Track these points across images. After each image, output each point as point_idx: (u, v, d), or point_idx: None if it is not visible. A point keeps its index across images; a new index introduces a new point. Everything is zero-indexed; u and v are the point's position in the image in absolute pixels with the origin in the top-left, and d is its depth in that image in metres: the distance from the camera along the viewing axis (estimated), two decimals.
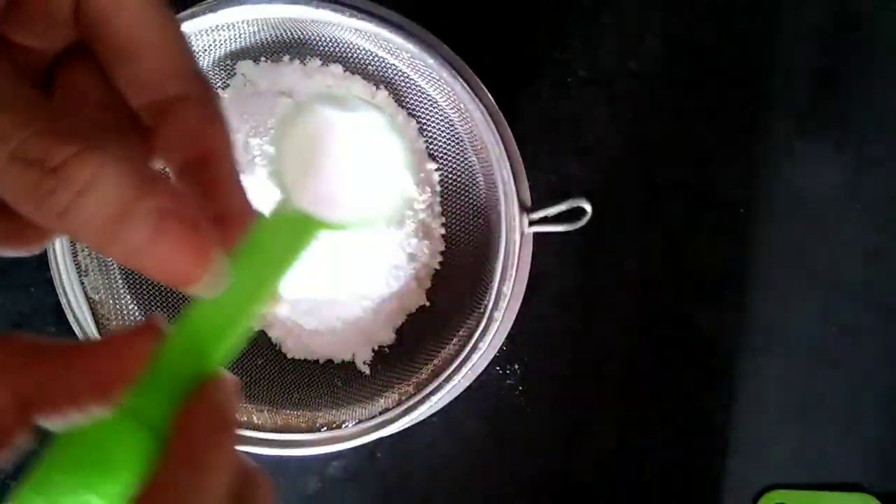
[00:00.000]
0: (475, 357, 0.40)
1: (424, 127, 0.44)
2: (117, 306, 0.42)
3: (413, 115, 0.44)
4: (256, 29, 0.39)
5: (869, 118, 0.48)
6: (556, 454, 0.48)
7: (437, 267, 0.46)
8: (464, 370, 0.40)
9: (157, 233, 0.16)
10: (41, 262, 0.46)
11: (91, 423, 0.17)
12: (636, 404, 0.48)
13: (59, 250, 0.39)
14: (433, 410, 0.41)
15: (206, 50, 0.40)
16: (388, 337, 0.46)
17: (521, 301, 0.41)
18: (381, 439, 0.40)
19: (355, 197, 0.18)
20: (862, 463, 0.48)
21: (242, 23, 0.39)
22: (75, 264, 0.40)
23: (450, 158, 0.44)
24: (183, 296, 0.45)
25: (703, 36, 0.47)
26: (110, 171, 0.15)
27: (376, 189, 0.17)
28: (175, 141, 0.18)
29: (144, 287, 0.44)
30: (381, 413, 0.42)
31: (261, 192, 0.40)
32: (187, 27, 0.37)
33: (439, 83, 0.39)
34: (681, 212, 0.47)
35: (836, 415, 0.48)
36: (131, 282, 0.43)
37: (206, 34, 0.39)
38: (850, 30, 0.47)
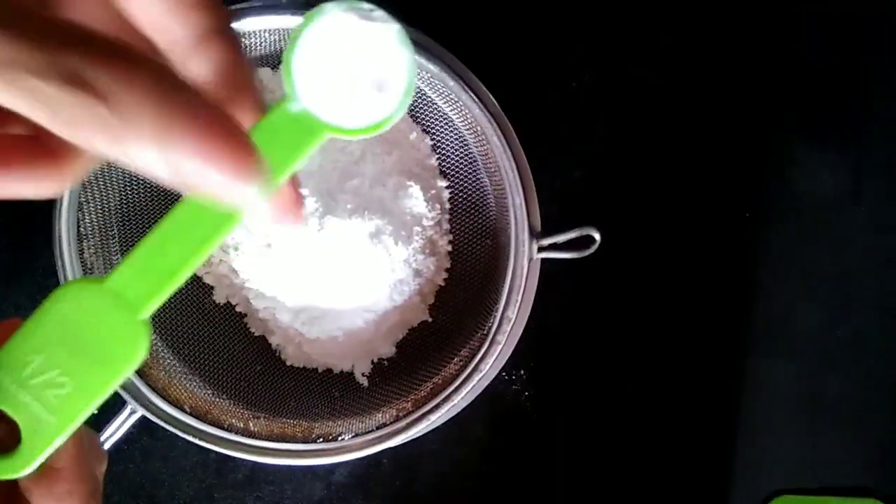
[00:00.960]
0: (476, 378, 0.40)
1: (438, 145, 0.45)
2: None
3: (427, 132, 0.44)
4: (277, 38, 0.39)
5: (872, 121, 0.48)
6: (563, 459, 0.48)
7: (442, 283, 0.46)
8: (463, 391, 0.40)
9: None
10: (46, 270, 0.46)
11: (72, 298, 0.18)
12: (642, 409, 0.48)
13: (65, 247, 0.39)
14: (431, 428, 0.41)
15: None
16: (388, 350, 0.46)
17: (524, 325, 0.41)
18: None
19: (362, 103, 0.18)
20: (870, 467, 0.48)
21: (264, 31, 0.38)
22: (81, 262, 0.40)
23: (461, 177, 0.44)
24: (185, 292, 0.45)
25: (706, 41, 0.47)
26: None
27: (383, 97, 0.18)
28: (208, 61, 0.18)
29: None
30: (378, 427, 0.42)
31: None
32: None
33: (457, 104, 0.39)
34: (686, 216, 0.47)
35: (844, 419, 0.48)
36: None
37: None
38: (854, 32, 0.47)
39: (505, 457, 0.48)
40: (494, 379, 0.41)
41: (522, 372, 0.47)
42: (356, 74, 0.18)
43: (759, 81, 0.47)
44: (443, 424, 0.41)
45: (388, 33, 0.18)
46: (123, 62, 0.15)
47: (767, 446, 0.48)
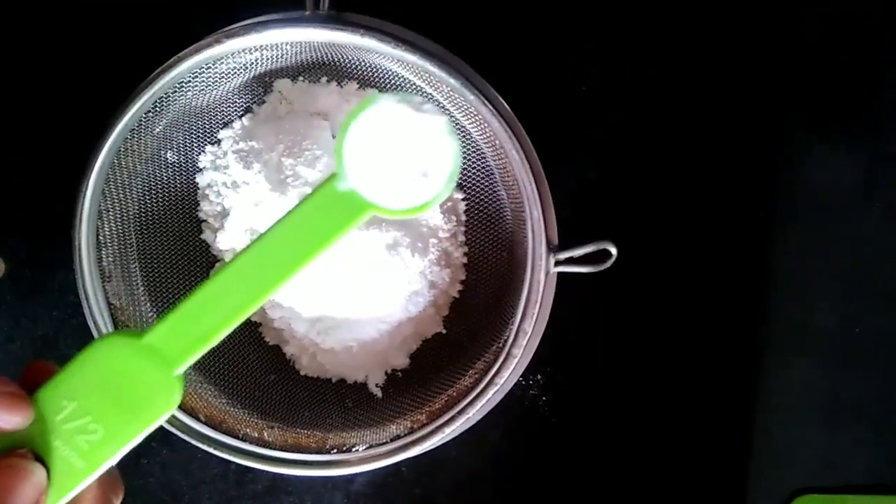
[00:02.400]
0: (491, 391, 0.40)
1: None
2: (137, 313, 0.42)
3: None
4: (298, 50, 0.40)
5: (886, 116, 0.47)
6: (581, 463, 0.48)
7: (456, 295, 0.46)
8: (479, 404, 0.40)
9: None
10: (64, 286, 0.47)
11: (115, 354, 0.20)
12: (661, 410, 0.47)
13: (84, 255, 0.39)
14: (446, 440, 0.41)
15: (246, 67, 0.40)
16: (401, 361, 0.46)
17: (540, 339, 0.41)
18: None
19: (407, 186, 0.20)
20: (892, 464, 0.47)
21: (285, 44, 0.39)
22: (99, 270, 0.40)
23: (478, 190, 0.45)
24: None
25: (716, 40, 0.47)
26: None
27: (427, 182, 0.20)
28: None
29: (165, 295, 0.44)
30: (392, 440, 0.42)
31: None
32: (231, 45, 0.37)
33: (476, 118, 0.39)
34: (699, 218, 0.47)
35: (864, 416, 0.47)
36: (152, 289, 0.43)
37: (248, 52, 0.39)
38: (865, 27, 0.47)
39: (523, 461, 0.48)
40: (512, 384, 0.41)
41: (540, 377, 0.47)
42: (403, 160, 0.19)
43: (770, 79, 0.47)
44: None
45: (437, 125, 0.19)
46: None
47: (788, 445, 0.47)
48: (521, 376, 0.43)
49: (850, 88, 0.47)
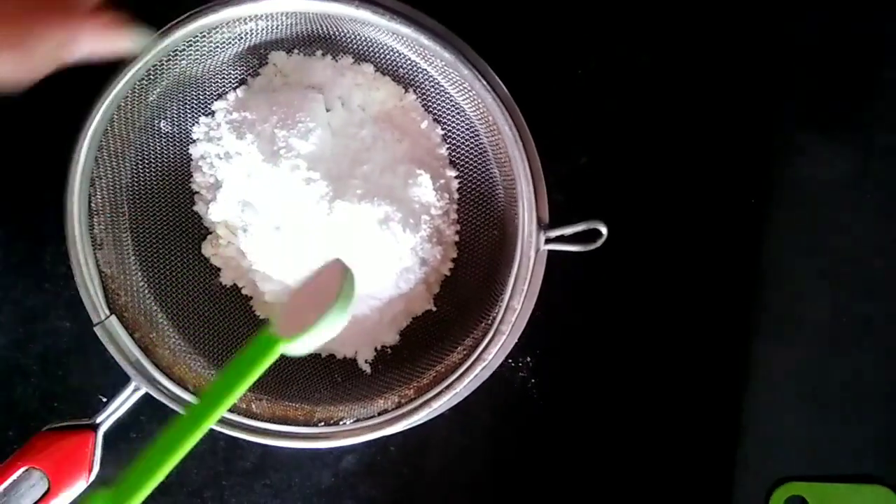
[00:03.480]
0: (479, 367, 0.40)
1: (448, 134, 0.45)
2: (127, 282, 0.42)
3: (438, 122, 0.45)
4: (293, 21, 0.40)
5: (878, 108, 0.47)
6: (569, 445, 0.48)
7: (447, 273, 0.46)
8: (466, 379, 0.40)
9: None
10: (55, 259, 0.47)
11: None
12: (648, 395, 0.48)
13: (76, 222, 0.39)
14: (433, 415, 0.41)
15: (241, 38, 0.40)
16: (391, 338, 0.46)
17: (528, 316, 0.41)
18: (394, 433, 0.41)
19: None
20: (876, 454, 0.48)
21: (280, 14, 0.39)
22: (91, 237, 0.40)
23: (471, 167, 0.45)
24: (192, 273, 0.45)
25: (713, 30, 0.47)
26: None
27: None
28: None
29: (155, 264, 0.44)
30: (379, 414, 0.42)
31: (284, 183, 0.40)
32: (225, 14, 0.37)
33: (470, 93, 0.39)
34: (690, 204, 0.47)
35: (850, 405, 0.48)
36: (143, 259, 0.43)
37: (242, 23, 0.39)
38: (859, 21, 0.47)
39: (511, 443, 0.48)
40: (501, 366, 0.41)
41: (529, 359, 0.47)
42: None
43: (765, 67, 0.47)
44: (449, 411, 0.42)
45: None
46: None
47: (774, 433, 0.48)
48: (510, 358, 0.43)
49: (844, 78, 0.47)
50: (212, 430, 0.42)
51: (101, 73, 0.38)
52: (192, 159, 0.45)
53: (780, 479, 0.48)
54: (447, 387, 0.40)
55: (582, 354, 0.48)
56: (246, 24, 0.39)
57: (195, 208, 0.45)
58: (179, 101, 0.43)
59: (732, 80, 0.47)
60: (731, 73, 0.47)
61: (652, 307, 0.48)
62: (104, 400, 0.43)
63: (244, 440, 0.41)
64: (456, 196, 0.45)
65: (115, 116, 0.39)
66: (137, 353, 0.41)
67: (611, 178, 0.47)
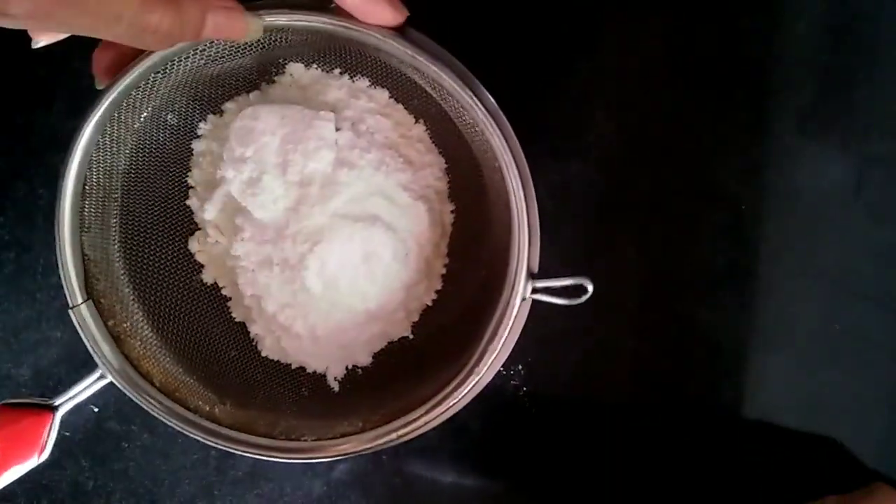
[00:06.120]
0: (448, 403, 0.41)
1: (452, 168, 0.45)
2: (109, 268, 0.42)
3: (443, 155, 0.45)
4: (317, 38, 0.40)
5: (872, 115, 0.47)
6: (562, 456, 0.48)
7: (429, 304, 0.46)
8: (433, 414, 0.41)
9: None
10: (46, 269, 0.46)
11: None
12: (642, 405, 0.47)
13: (68, 202, 0.39)
14: (397, 443, 0.41)
15: (263, 45, 0.40)
16: (364, 359, 0.46)
17: (504, 360, 0.41)
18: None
19: None
20: (869, 462, 0.47)
21: (305, 30, 0.39)
22: (80, 219, 0.40)
23: (468, 204, 0.45)
24: (175, 266, 0.45)
25: (705, 34, 0.47)
26: None
27: None
28: None
29: (138, 255, 0.44)
30: (341, 436, 0.42)
31: (282, 196, 0.40)
32: None
33: (480, 136, 0.39)
34: (683, 210, 0.47)
35: (843, 414, 0.47)
36: (127, 248, 0.43)
37: (267, 32, 0.39)
38: (853, 26, 0.47)
39: (503, 451, 0.48)
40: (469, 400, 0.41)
41: (521, 367, 0.47)
42: None
43: (759, 74, 0.47)
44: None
45: None
46: None
47: (767, 442, 0.47)
48: (502, 367, 0.42)
49: (839, 85, 0.47)
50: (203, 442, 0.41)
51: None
52: (193, 154, 0.44)
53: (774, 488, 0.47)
54: (414, 419, 0.41)
55: (574, 364, 0.47)
56: (271, 33, 0.39)
57: (188, 202, 0.45)
58: (190, 96, 0.42)
59: (725, 86, 0.47)
60: (723, 79, 0.47)
61: (644, 317, 0.47)
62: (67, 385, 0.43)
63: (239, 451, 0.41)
64: (450, 230, 0.46)
65: (124, 104, 0.39)
66: (109, 341, 0.40)
67: (601, 184, 0.47)
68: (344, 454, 0.41)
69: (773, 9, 0.47)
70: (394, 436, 0.41)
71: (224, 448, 0.41)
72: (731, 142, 0.47)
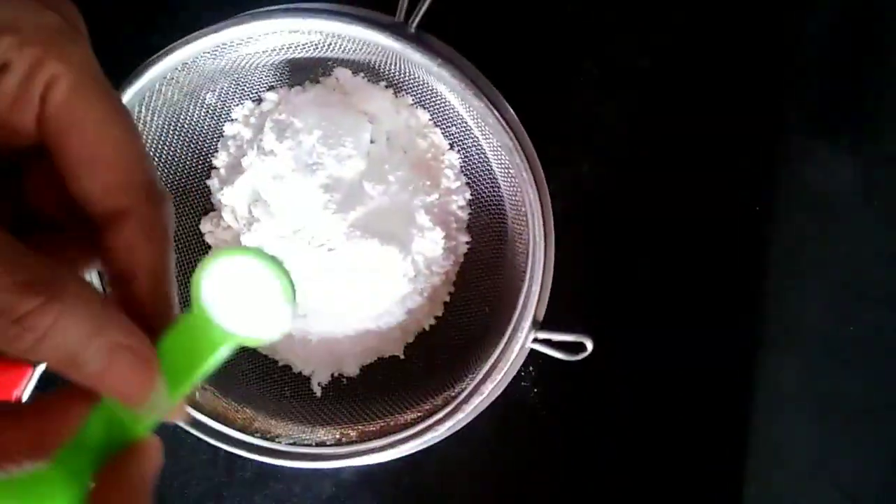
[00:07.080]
0: (427, 436, 0.41)
1: (476, 201, 0.45)
2: None
3: (470, 186, 0.45)
4: (370, 50, 0.40)
5: (885, 117, 0.47)
6: (572, 457, 0.47)
7: (427, 328, 0.46)
8: (411, 443, 0.41)
9: (109, 364, 0.19)
10: None
11: (24, 474, 0.19)
12: (652, 406, 0.47)
13: None
14: (371, 463, 0.41)
15: (316, 46, 0.40)
16: (352, 370, 0.46)
17: (493, 400, 0.41)
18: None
19: (255, 319, 0.21)
20: (886, 465, 0.47)
21: (361, 41, 0.39)
22: None
23: (485, 240, 0.45)
24: (181, 243, 0.45)
25: (716, 34, 0.47)
26: (68, 318, 0.18)
27: (268, 316, 0.21)
28: (110, 253, 0.20)
29: None
30: (316, 445, 0.42)
31: (305, 198, 0.40)
32: (310, 24, 0.37)
33: (512, 180, 0.39)
34: (695, 210, 0.47)
35: (857, 416, 0.47)
36: None
37: (318, 34, 0.38)
38: (865, 26, 0.47)
39: (512, 452, 0.47)
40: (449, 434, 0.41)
41: (531, 369, 0.46)
42: (250, 298, 0.21)
43: (770, 74, 0.47)
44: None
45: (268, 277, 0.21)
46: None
47: (780, 444, 0.47)
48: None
49: (852, 87, 0.47)
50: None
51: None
52: (223, 135, 0.44)
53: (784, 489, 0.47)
54: (391, 444, 0.41)
55: (584, 364, 0.45)
56: (322, 37, 0.39)
57: (209, 182, 0.45)
58: (233, 80, 0.42)
59: (738, 90, 0.47)
60: (735, 79, 0.47)
61: (655, 318, 0.47)
62: None
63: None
64: (461, 260, 0.46)
65: (168, 77, 0.38)
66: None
67: (612, 186, 0.47)
68: (317, 466, 0.41)
69: (785, 8, 0.47)
70: (370, 457, 0.41)
71: (200, 437, 0.41)
72: (743, 143, 0.47)
